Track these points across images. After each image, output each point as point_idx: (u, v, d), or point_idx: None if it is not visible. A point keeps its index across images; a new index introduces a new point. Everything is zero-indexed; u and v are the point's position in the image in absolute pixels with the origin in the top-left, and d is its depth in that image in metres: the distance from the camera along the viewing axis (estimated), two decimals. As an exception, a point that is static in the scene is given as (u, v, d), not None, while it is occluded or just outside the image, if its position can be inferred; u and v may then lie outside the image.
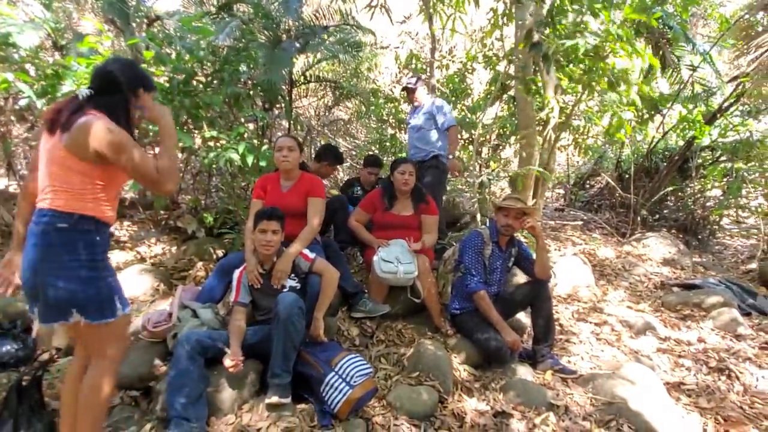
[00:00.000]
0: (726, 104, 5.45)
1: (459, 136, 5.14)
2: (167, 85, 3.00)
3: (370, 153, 5.19)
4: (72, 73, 2.76)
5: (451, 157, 3.77)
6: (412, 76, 4.04)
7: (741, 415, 2.17)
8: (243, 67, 3.56)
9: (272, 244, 2.22)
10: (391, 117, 5.71)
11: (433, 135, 3.75)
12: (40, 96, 2.88)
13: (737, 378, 2.53)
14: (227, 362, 1.94)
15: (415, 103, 3.90)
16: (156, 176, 1.51)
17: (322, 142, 6.68)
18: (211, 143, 3.19)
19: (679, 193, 6.05)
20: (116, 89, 1.56)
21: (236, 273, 2.31)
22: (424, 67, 5.58)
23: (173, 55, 3.09)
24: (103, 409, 1.62)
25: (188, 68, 3.10)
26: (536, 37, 3.29)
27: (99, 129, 1.43)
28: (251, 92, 3.69)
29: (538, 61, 3.57)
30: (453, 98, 5.31)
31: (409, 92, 3.90)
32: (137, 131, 2.05)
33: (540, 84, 3.79)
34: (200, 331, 2.09)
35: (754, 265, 4.56)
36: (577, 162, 8.13)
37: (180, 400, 1.81)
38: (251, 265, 2.28)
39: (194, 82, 3.24)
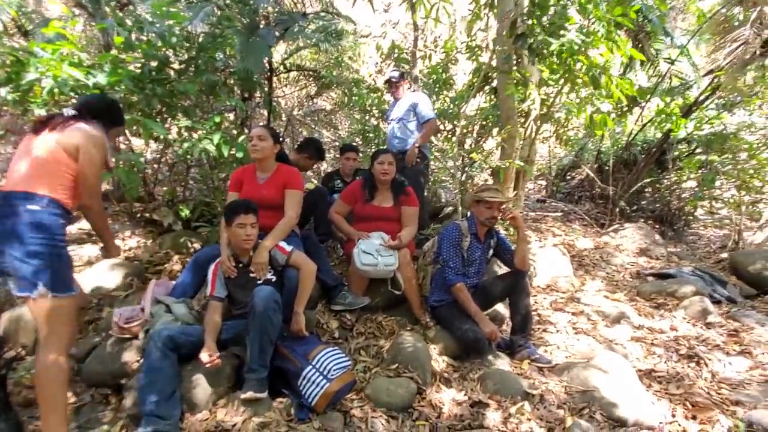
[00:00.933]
0: (702, 97, 5.56)
1: (442, 128, 5.13)
2: (139, 72, 2.90)
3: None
4: (37, 60, 2.63)
5: (416, 145, 3.69)
6: (395, 70, 4.00)
7: (708, 400, 2.24)
8: (219, 55, 3.45)
9: (252, 237, 2.20)
10: (374, 108, 5.65)
11: (413, 127, 3.77)
12: (3, 84, 2.74)
13: (706, 365, 2.61)
14: (204, 357, 1.90)
15: (397, 97, 3.90)
16: (92, 190, 1.83)
17: (304, 133, 6.58)
18: (186, 133, 3.10)
19: (657, 185, 6.18)
20: (99, 118, 1.91)
21: (211, 266, 2.27)
22: (407, 56, 5.52)
23: (145, 41, 2.97)
24: (61, 396, 1.66)
25: (161, 55, 2.99)
26: (521, 28, 3.27)
27: (92, 134, 1.80)
28: (228, 81, 3.59)
29: (521, 53, 3.56)
30: (436, 88, 5.28)
31: (392, 85, 3.90)
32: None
33: (523, 76, 3.78)
34: (173, 326, 2.05)
35: (725, 255, 4.70)
36: (559, 154, 8.21)
37: (152, 398, 1.77)
38: (225, 256, 2.24)
39: (168, 70, 3.13)
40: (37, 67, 2.61)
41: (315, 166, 5.00)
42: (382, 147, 4.70)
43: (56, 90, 2.64)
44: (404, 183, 3.09)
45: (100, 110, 1.94)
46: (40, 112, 2.81)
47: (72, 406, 1.95)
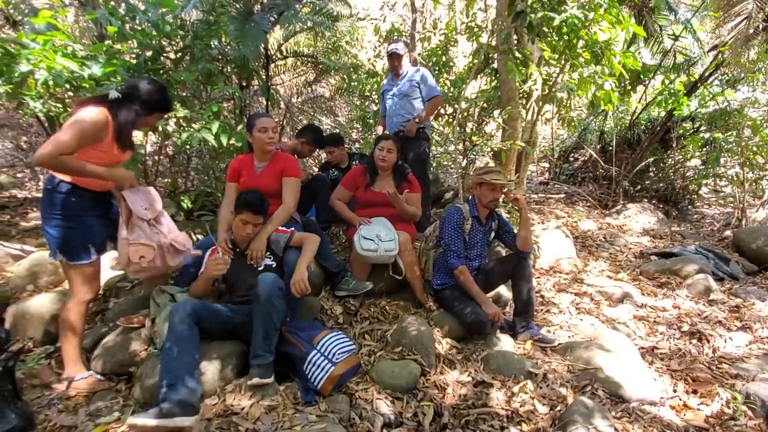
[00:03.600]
0: (706, 74, 5.46)
1: (443, 111, 5.07)
2: (134, 62, 2.87)
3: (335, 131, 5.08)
4: (28, 51, 2.59)
5: (416, 120, 3.62)
6: (396, 41, 3.76)
7: (708, 375, 2.26)
8: (215, 42, 3.41)
9: (250, 236, 2.27)
10: (374, 93, 5.58)
11: (418, 104, 3.69)
12: (-6, 77, 2.71)
13: (707, 341, 2.63)
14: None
15: (399, 71, 3.73)
16: (49, 152, 1.73)
17: (304, 121, 6.53)
18: (184, 123, 3.08)
19: (660, 164, 6.13)
20: (136, 102, 2.00)
21: (209, 252, 2.29)
22: (406, 39, 5.44)
23: (138, 31, 2.94)
24: (72, 332, 2.01)
25: (155, 44, 2.96)
26: (520, 5, 3.20)
27: (90, 116, 1.82)
28: (224, 69, 3.55)
29: (521, 31, 3.49)
30: (435, 71, 5.21)
31: (395, 59, 3.68)
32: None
33: (524, 55, 3.71)
34: (197, 301, 2.04)
35: (729, 233, 4.68)
36: (562, 135, 8.14)
37: (179, 368, 1.75)
38: (222, 238, 2.27)
39: (163, 59, 3.10)
40: (29, 59, 2.58)
41: (315, 153, 4.97)
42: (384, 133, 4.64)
43: (51, 82, 2.62)
44: (406, 169, 3.08)
45: (137, 95, 2.01)
46: (36, 105, 2.79)
47: (83, 396, 2.00)
